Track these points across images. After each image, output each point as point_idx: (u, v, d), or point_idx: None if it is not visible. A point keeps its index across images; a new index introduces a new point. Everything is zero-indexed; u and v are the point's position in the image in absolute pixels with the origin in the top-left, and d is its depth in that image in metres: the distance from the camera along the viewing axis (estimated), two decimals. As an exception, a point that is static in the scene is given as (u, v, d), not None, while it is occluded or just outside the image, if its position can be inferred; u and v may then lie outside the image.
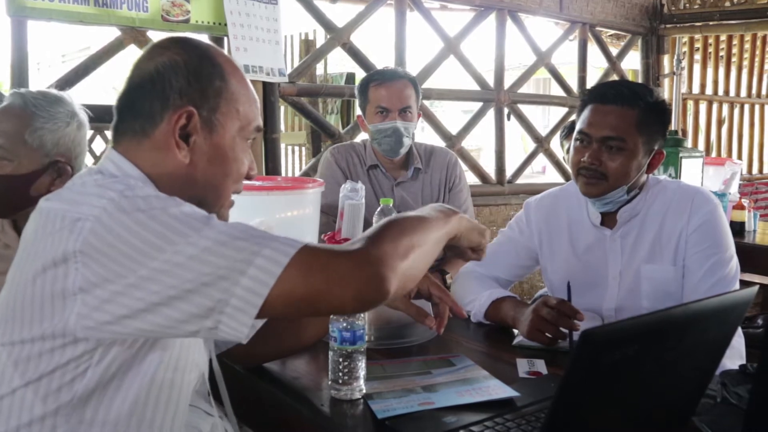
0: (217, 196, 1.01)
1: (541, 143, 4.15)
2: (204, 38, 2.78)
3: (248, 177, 1.05)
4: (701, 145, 5.31)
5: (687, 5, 4.60)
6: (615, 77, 4.37)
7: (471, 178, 3.34)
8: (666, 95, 4.76)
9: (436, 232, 0.99)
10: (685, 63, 4.98)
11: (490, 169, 3.99)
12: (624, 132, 1.53)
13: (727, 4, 4.47)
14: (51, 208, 0.88)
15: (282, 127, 4.62)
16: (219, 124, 0.98)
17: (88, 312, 0.82)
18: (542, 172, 9.59)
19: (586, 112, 1.59)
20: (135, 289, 0.81)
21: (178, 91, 0.95)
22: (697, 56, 5.35)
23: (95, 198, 0.85)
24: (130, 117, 0.98)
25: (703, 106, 5.37)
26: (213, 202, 1.01)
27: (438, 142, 3.19)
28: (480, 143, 11.15)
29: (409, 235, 0.92)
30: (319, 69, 4.75)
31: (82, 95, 2.28)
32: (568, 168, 3.87)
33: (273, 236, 0.84)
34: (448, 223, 1.03)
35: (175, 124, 0.95)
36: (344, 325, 1.12)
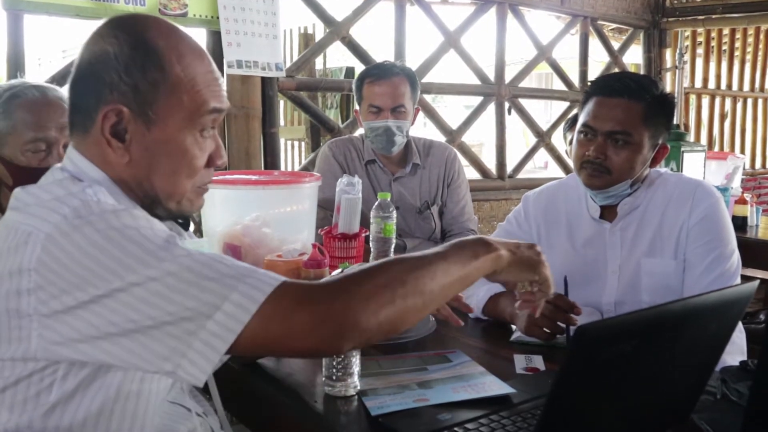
0: (169, 194, 0.93)
1: (543, 138, 4.13)
2: (201, 32, 2.77)
3: (215, 167, 0.97)
4: (704, 140, 5.28)
5: (689, -2, 4.57)
6: (617, 71, 4.34)
7: (471, 173, 3.33)
8: (668, 89, 4.74)
9: (445, 276, 0.87)
10: (687, 57, 4.94)
11: (492, 165, 3.97)
12: (630, 126, 1.51)
13: (730, -3, 4.44)
14: (8, 219, 0.84)
15: (281, 121, 4.61)
16: (158, 119, 0.89)
17: (43, 333, 0.78)
18: (544, 167, 9.56)
19: (590, 105, 1.56)
20: (91, 315, 0.76)
21: (109, 86, 0.88)
22: (700, 50, 5.32)
23: (49, 212, 0.80)
24: (73, 110, 0.93)
25: (705, 101, 5.35)
26: (166, 200, 0.94)
27: (439, 137, 3.17)
28: (482, 138, 11.12)
29: (399, 283, 0.82)
30: (319, 63, 4.75)
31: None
32: (570, 161, 3.85)
33: (243, 273, 0.79)
34: (472, 262, 0.92)
35: (103, 122, 0.88)
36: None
